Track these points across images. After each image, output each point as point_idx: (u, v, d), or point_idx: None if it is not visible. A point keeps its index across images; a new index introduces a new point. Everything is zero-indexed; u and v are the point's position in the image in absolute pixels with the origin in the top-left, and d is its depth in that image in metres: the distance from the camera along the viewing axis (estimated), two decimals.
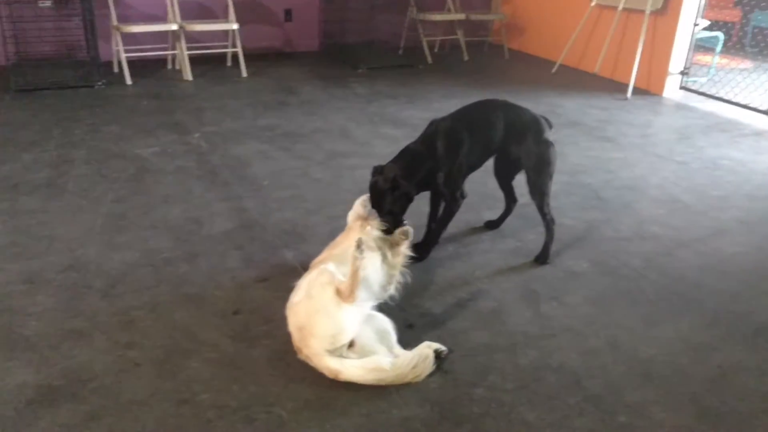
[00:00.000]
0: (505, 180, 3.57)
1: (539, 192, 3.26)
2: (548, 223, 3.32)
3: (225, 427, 2.20)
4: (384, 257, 2.77)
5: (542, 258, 3.35)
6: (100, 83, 6.28)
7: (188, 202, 3.89)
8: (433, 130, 3.14)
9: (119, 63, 6.64)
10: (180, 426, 2.20)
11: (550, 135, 3.27)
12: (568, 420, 2.30)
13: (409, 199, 3.03)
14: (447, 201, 3.23)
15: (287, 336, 2.52)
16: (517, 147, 3.24)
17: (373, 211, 2.99)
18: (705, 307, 3.04)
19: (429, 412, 2.30)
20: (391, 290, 2.78)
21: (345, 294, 2.38)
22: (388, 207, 2.95)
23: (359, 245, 2.36)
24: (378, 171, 3.03)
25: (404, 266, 2.85)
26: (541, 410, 2.34)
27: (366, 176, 3.10)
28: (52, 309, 2.81)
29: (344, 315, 2.38)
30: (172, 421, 2.22)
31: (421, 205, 3.34)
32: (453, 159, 3.11)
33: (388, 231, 2.88)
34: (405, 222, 2.96)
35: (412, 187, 3.01)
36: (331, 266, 2.50)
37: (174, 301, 2.91)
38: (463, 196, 3.25)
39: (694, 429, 2.28)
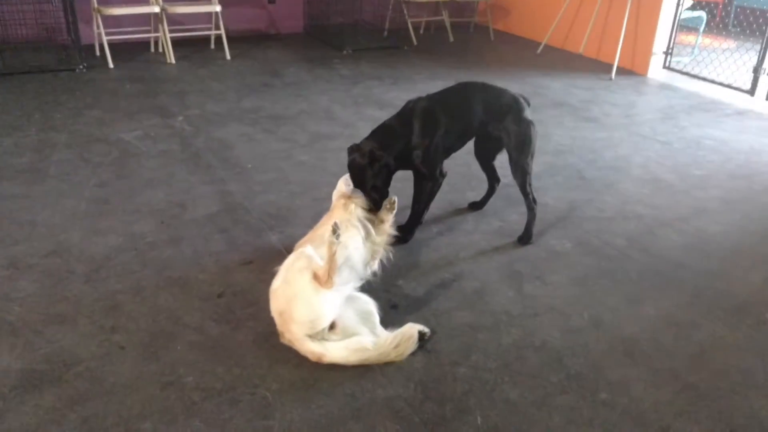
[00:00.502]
0: (485, 161, 3.58)
1: (521, 171, 3.26)
2: (530, 202, 3.33)
3: (210, 409, 2.21)
4: (368, 235, 2.78)
5: (525, 238, 3.37)
6: (81, 67, 6.20)
7: (172, 185, 3.88)
8: (410, 108, 3.14)
9: (101, 46, 6.56)
10: (165, 408, 2.21)
11: (530, 114, 3.27)
12: (551, 398, 2.33)
13: (390, 172, 3.04)
14: (427, 180, 3.23)
15: (271, 318, 2.52)
16: (497, 127, 3.24)
17: (357, 189, 3.00)
18: (686, 286, 3.08)
19: (413, 392, 2.32)
20: (374, 266, 2.80)
21: (322, 280, 2.39)
22: (371, 182, 2.95)
23: (335, 230, 2.36)
24: (354, 149, 3.03)
25: (388, 244, 2.86)
26: (524, 388, 2.36)
27: None
28: (36, 294, 2.80)
29: (322, 300, 2.39)
30: (157, 404, 2.22)
31: (406, 188, 3.34)
32: (429, 139, 3.10)
33: (374, 207, 2.90)
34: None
35: (390, 158, 3.00)
36: (308, 250, 2.49)
37: (158, 285, 2.90)
38: (442, 175, 3.26)
39: (675, 405, 2.32)
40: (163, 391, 2.28)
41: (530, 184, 3.30)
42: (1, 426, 2.11)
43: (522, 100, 3.27)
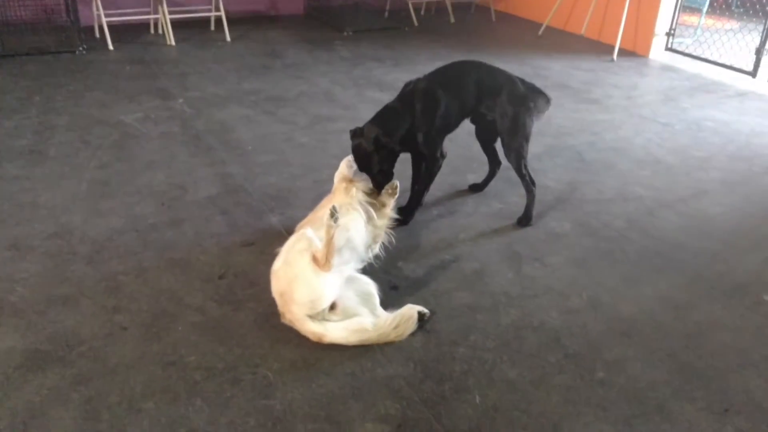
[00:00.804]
0: (487, 143, 3.58)
1: (515, 154, 3.25)
2: (528, 185, 3.33)
3: (212, 388, 2.24)
4: (369, 218, 2.79)
5: (525, 220, 3.38)
6: (81, 48, 6.18)
7: (172, 167, 3.88)
8: (410, 89, 3.14)
9: (100, 27, 6.53)
10: (167, 387, 2.23)
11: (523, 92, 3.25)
12: (548, 377, 2.35)
13: (395, 156, 3.04)
14: (427, 161, 3.24)
15: (272, 299, 2.55)
16: (491, 108, 3.24)
17: (359, 171, 3.00)
18: (685, 267, 3.09)
19: (412, 371, 2.34)
20: (376, 249, 2.81)
21: (321, 262, 2.40)
22: (377, 168, 2.96)
23: (333, 214, 2.37)
24: (358, 133, 3.03)
25: (389, 227, 2.88)
26: (522, 368, 2.39)
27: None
28: (38, 275, 2.82)
29: (322, 281, 2.40)
30: (160, 383, 2.25)
31: (405, 169, 3.35)
32: (431, 119, 3.10)
33: (377, 190, 2.91)
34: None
35: (395, 143, 3.01)
36: (309, 232, 2.51)
37: (160, 266, 2.92)
38: (443, 156, 3.26)
39: (671, 384, 2.34)
40: (165, 370, 2.31)
41: (526, 167, 3.30)
42: (5, 405, 2.14)
43: (518, 81, 3.24)
